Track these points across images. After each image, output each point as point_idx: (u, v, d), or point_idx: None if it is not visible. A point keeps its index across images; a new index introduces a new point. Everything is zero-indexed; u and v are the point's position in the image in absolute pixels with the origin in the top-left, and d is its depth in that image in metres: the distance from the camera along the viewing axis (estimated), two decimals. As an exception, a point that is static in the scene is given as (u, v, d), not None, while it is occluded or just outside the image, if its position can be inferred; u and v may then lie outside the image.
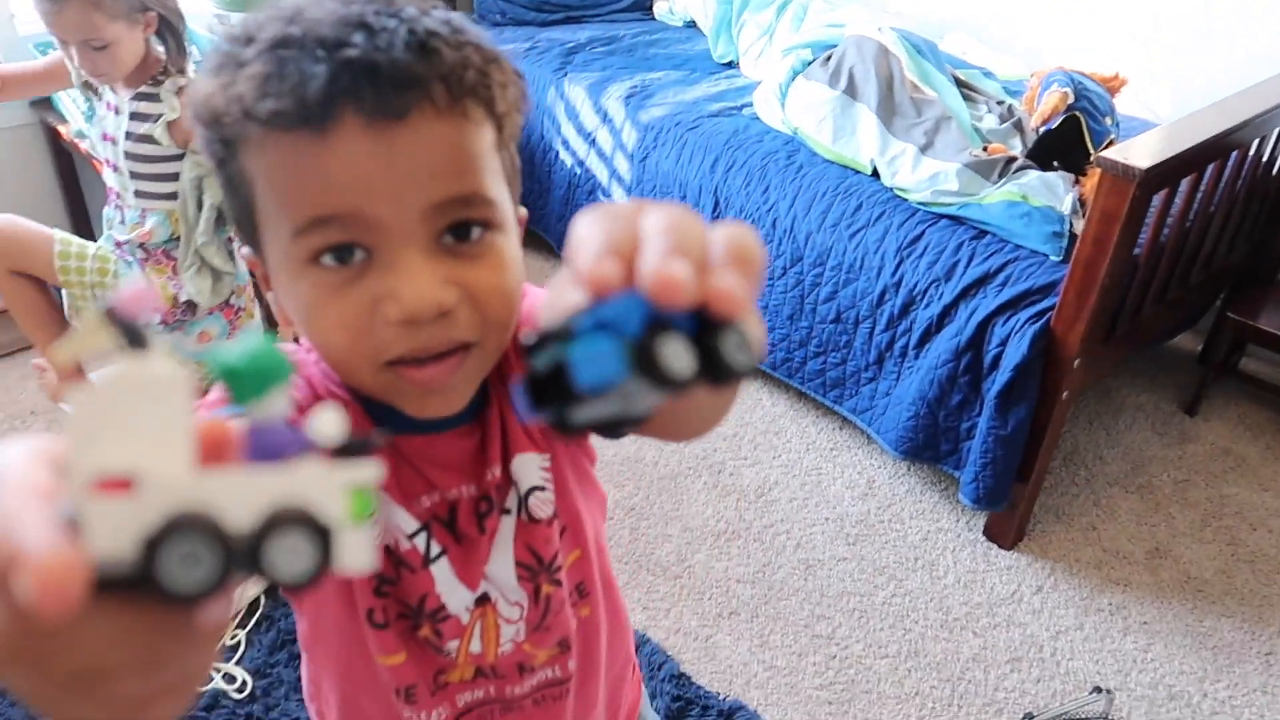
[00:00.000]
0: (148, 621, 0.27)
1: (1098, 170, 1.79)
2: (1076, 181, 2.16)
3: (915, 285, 2.10)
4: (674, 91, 2.80)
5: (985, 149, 2.27)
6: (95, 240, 2.08)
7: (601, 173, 2.77)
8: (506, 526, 0.68)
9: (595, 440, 0.67)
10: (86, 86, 1.94)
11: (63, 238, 2.01)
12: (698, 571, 2.00)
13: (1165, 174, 1.79)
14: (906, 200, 2.22)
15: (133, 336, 0.28)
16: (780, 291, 2.33)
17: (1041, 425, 1.97)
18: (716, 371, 0.30)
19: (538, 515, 0.68)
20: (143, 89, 1.86)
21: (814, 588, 1.97)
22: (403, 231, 0.53)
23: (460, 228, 0.55)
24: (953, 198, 2.14)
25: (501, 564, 0.68)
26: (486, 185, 0.56)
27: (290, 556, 0.28)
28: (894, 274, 2.12)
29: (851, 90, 2.42)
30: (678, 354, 0.29)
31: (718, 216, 2.42)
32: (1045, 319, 1.91)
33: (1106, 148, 2.07)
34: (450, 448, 0.65)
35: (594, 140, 2.78)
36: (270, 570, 0.28)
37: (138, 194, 1.95)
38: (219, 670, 1.70)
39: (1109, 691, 1.72)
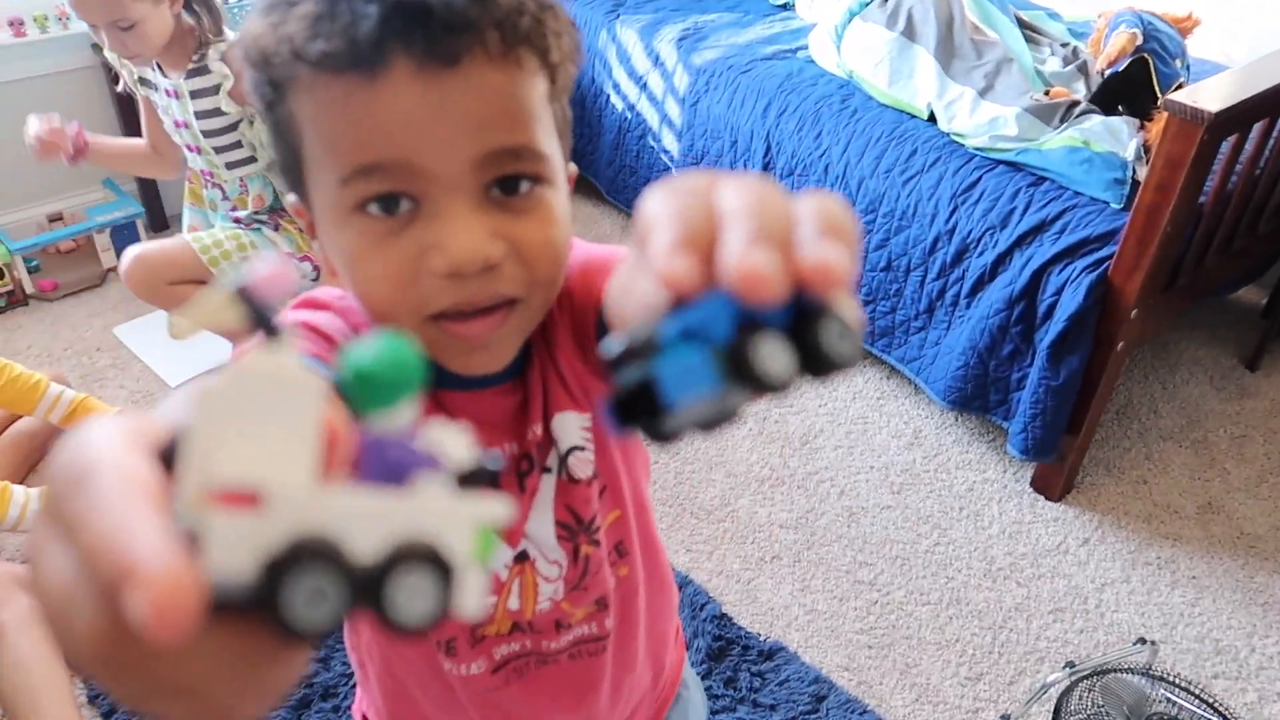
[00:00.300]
0: (255, 648, 0.24)
1: (1164, 115, 1.74)
2: (1142, 126, 2.09)
3: (969, 233, 2.06)
4: (727, 34, 2.75)
5: (1047, 92, 2.21)
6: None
7: (652, 117, 2.75)
8: (547, 485, 0.68)
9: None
10: (143, 83, 1.95)
11: (193, 237, 2.05)
12: (741, 516, 2.01)
13: (1236, 118, 1.73)
14: (963, 146, 2.17)
15: (263, 322, 0.25)
16: (830, 238, 2.30)
17: (1095, 377, 1.94)
18: (817, 365, 0.27)
19: (577, 475, 0.68)
20: (191, 66, 1.86)
21: (857, 534, 1.98)
22: (450, 182, 0.52)
23: (509, 181, 0.54)
24: (1011, 143, 2.09)
25: (541, 523, 0.68)
26: (538, 138, 0.54)
27: (412, 596, 0.25)
28: (947, 221, 2.09)
29: (910, 32, 2.36)
30: (774, 355, 0.27)
31: (769, 163, 2.39)
32: (1103, 268, 1.87)
33: (1175, 91, 2.00)
34: (492, 405, 0.65)
35: (645, 84, 2.76)
36: (389, 609, 0.25)
37: (229, 166, 1.97)
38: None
39: (1153, 643, 1.71)
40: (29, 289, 2.59)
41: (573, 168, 0.64)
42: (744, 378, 0.26)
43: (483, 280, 0.54)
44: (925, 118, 2.27)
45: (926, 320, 2.18)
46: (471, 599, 0.27)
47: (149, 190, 2.88)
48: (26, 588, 1.60)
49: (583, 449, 0.67)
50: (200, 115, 1.92)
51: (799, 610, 1.82)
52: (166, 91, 1.93)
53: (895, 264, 2.20)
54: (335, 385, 0.27)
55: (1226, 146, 1.82)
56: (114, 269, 2.71)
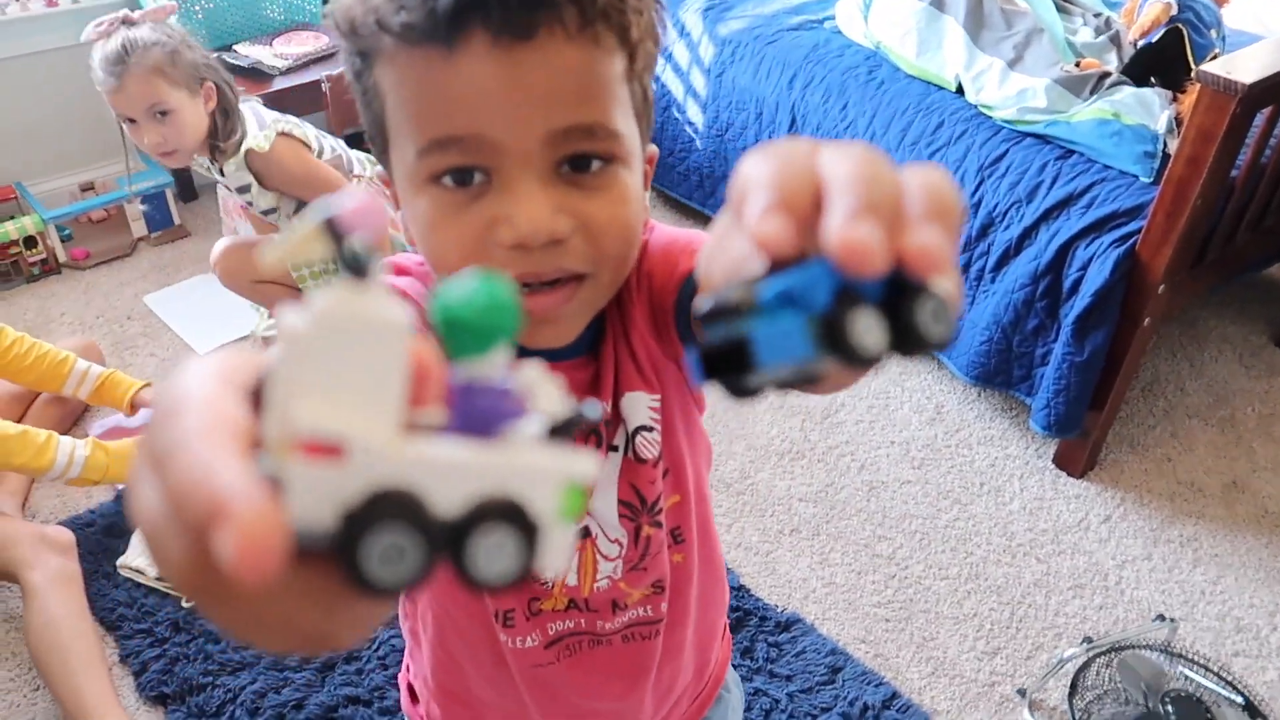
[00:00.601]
0: (333, 595, 0.24)
1: (1197, 86, 1.70)
2: (1175, 99, 2.06)
3: (995, 206, 2.04)
4: (753, 4, 2.72)
5: (1078, 64, 2.17)
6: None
7: (677, 88, 2.73)
8: (612, 463, 0.68)
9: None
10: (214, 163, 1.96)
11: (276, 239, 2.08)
12: (760, 489, 2.02)
13: (1271, 90, 1.69)
14: (990, 118, 2.15)
15: (350, 256, 0.24)
16: (855, 211, 2.29)
17: (1120, 353, 1.92)
18: (909, 343, 0.27)
19: (644, 455, 0.68)
20: (219, 165, 1.92)
21: (876, 509, 1.98)
22: (522, 156, 0.53)
23: (580, 159, 0.55)
24: (1040, 115, 2.06)
25: (605, 500, 0.68)
26: (612, 116, 0.55)
27: (493, 554, 0.25)
28: (973, 194, 2.07)
29: (938, 2, 2.32)
30: (869, 329, 0.26)
31: (794, 134, 2.37)
32: (1131, 243, 1.84)
33: (1209, 62, 1.96)
34: (563, 379, 0.66)
35: (669, 54, 2.74)
36: (470, 566, 0.25)
37: (296, 213, 2.02)
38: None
39: (1173, 621, 1.71)
40: (62, 258, 2.63)
41: (653, 148, 0.64)
42: (836, 348, 0.26)
43: (549, 254, 0.55)
44: (953, 89, 2.25)
45: (950, 295, 2.16)
46: (556, 558, 0.26)
47: (178, 160, 2.91)
48: (55, 548, 1.64)
49: (650, 429, 0.68)
50: (252, 205, 2.02)
51: (817, 583, 1.83)
52: (218, 182, 2.02)
53: (920, 238, 2.18)
54: (427, 327, 0.25)
55: (1261, 119, 1.78)
56: (144, 238, 2.75)
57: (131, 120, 1.82)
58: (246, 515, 0.21)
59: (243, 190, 1.98)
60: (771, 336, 0.26)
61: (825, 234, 0.26)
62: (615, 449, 0.68)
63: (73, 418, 2.12)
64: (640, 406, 0.67)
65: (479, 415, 0.26)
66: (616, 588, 0.72)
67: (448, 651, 0.78)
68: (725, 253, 0.30)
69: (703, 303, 0.28)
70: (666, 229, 0.66)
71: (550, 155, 0.54)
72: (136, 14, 1.82)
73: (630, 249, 0.59)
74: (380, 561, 0.24)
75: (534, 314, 0.57)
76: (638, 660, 0.77)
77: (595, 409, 0.27)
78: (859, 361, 0.26)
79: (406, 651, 0.88)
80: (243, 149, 1.89)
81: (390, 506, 0.24)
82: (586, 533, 0.70)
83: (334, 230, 0.24)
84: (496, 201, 0.54)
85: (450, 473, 0.25)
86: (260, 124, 1.93)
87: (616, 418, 0.67)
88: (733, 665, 0.95)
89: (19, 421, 1.95)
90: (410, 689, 0.89)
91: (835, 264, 0.25)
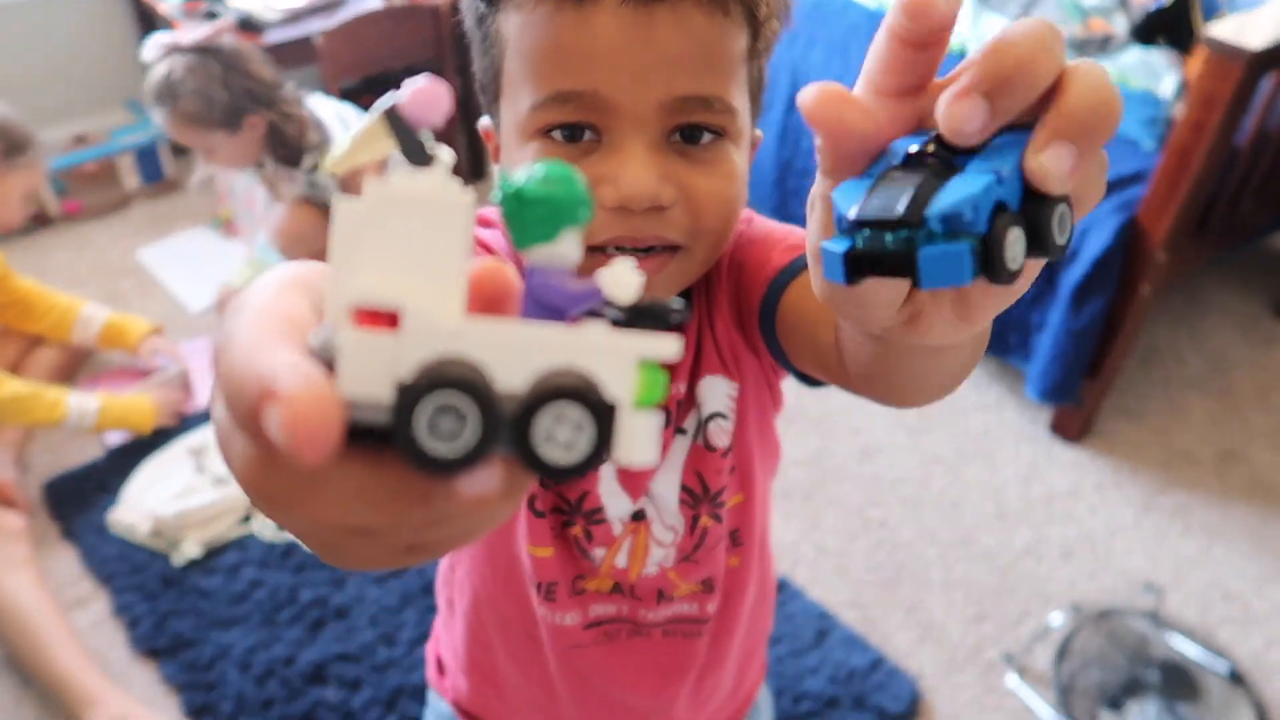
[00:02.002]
0: (392, 481, 0.23)
1: (1204, 50, 1.67)
2: (1182, 62, 2.02)
3: (996, 171, 2.01)
4: (756, -41, 2.67)
5: (1085, 25, 2.13)
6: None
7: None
8: (679, 447, 0.67)
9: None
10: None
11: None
12: (754, 452, 2.02)
13: (1279, 55, 1.66)
14: (994, 80, 2.11)
15: (414, 146, 0.24)
16: (855, 174, 2.26)
17: (1118, 321, 1.91)
18: (1039, 253, 0.27)
19: (714, 443, 0.67)
20: (273, 195, 1.97)
21: (869, 474, 1.98)
22: (636, 119, 0.53)
23: (692, 130, 0.54)
24: (1044, 78, 2.03)
25: (667, 483, 0.67)
26: (730, 91, 0.54)
27: (562, 432, 0.23)
28: (974, 158, 2.04)
29: (944, -41, 2.28)
30: (1018, 248, 0.27)
31: (794, 95, 2.33)
32: (1132, 210, 1.82)
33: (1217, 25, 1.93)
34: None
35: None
36: (537, 448, 0.23)
37: None
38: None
39: (1160, 589, 1.71)
40: (54, 210, 2.61)
41: (759, 133, 0.63)
42: (989, 270, 0.26)
43: (648, 219, 0.55)
44: (957, 52, 2.21)
45: (949, 260, 2.15)
46: (634, 444, 0.24)
47: (171, 113, 2.87)
48: (3, 534, 1.65)
49: (725, 418, 0.66)
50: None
51: (807, 547, 1.84)
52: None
53: (919, 202, 2.16)
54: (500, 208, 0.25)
55: (1268, 84, 1.75)
56: (137, 191, 2.72)
57: None
58: (294, 389, 0.20)
59: (319, 185, 1.99)
60: (938, 260, 0.26)
61: (1030, 151, 0.27)
62: (683, 432, 0.66)
63: (77, 363, 2.12)
64: (718, 392, 0.66)
65: (550, 301, 0.25)
66: (665, 576, 0.71)
67: (481, 625, 0.77)
68: (867, 120, 0.30)
69: (858, 205, 0.28)
70: (764, 221, 0.65)
71: (664, 122, 0.53)
72: (187, 37, 1.82)
73: (728, 227, 0.58)
74: (436, 432, 0.22)
75: None
76: (676, 659, 0.76)
77: (680, 304, 0.26)
78: (1004, 280, 0.26)
79: (437, 621, 0.87)
80: (345, 162, 1.90)
81: (448, 374, 0.22)
82: (641, 515, 0.68)
83: (396, 122, 0.24)
84: (604, 161, 0.54)
85: (515, 346, 0.23)
86: (343, 121, 2.01)
87: (690, 400, 0.66)
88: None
89: (20, 364, 1.98)
90: (438, 660, 0.88)
91: (1012, 175, 0.26)
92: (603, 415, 0.23)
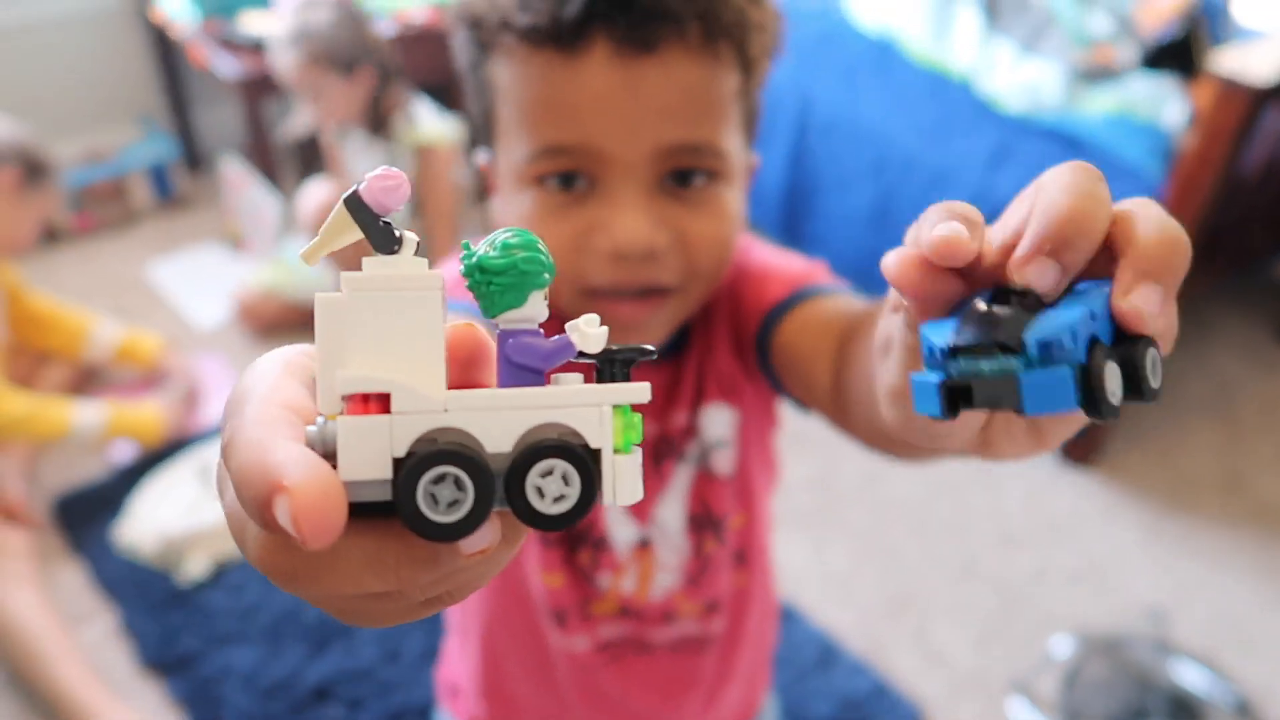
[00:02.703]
0: (399, 549, 0.24)
1: (1212, 79, 1.69)
2: (1190, 89, 2.04)
3: (1003, 199, 2.02)
4: (765, -16, 2.69)
5: (1091, 53, 2.15)
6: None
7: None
8: (683, 474, 0.67)
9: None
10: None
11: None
12: (759, 474, 2.02)
13: (1284, 87, 1.67)
14: (1000, 109, 2.13)
15: (378, 232, 0.25)
16: (862, 199, 2.28)
17: (1123, 347, 1.91)
18: (1135, 396, 0.27)
19: (717, 470, 0.67)
20: (379, 144, 2.09)
21: (874, 498, 1.99)
22: (628, 167, 0.53)
23: (684, 173, 0.55)
24: (1051, 106, 2.05)
25: (672, 510, 0.68)
26: (721, 135, 0.55)
27: (554, 487, 0.24)
28: (981, 185, 2.05)
29: (951, -13, 2.30)
30: (1116, 383, 0.27)
31: (803, 120, 2.35)
32: (1137, 237, 1.83)
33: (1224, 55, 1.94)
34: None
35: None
36: (531, 503, 0.24)
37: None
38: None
39: (1165, 615, 1.71)
40: (66, 226, 2.63)
41: (756, 157, 0.64)
42: (1089, 404, 0.26)
43: (643, 265, 0.55)
44: (963, 79, 2.23)
45: (955, 284, 2.15)
46: (620, 485, 0.25)
47: (185, 130, 2.90)
48: (7, 554, 1.65)
49: (727, 445, 0.67)
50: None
51: (811, 571, 1.84)
52: (358, 148, 2.14)
53: (926, 226, 2.17)
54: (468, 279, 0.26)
55: (1276, 115, 1.77)
56: (147, 207, 2.74)
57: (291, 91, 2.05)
58: (299, 481, 0.22)
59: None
60: (1043, 386, 0.26)
61: (1117, 292, 0.27)
62: (684, 460, 0.67)
63: (88, 377, 2.14)
64: (720, 420, 0.67)
65: (526, 362, 0.26)
66: (671, 600, 0.72)
67: (494, 650, 0.77)
68: (947, 283, 0.30)
69: (954, 334, 0.28)
70: (762, 251, 0.66)
71: (656, 168, 0.54)
72: None
73: (722, 267, 0.59)
74: (436, 501, 0.24)
75: (619, 321, 0.57)
76: (684, 676, 0.76)
77: (649, 347, 0.27)
78: (1106, 416, 0.26)
79: (449, 646, 0.88)
80: (420, 138, 2.10)
81: (440, 447, 0.24)
82: (647, 542, 0.69)
83: (359, 209, 0.25)
84: (598, 208, 0.54)
85: (499, 410, 0.25)
86: (433, 118, 2.16)
87: (692, 429, 0.66)
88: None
89: (31, 378, 2.00)
90: (452, 684, 0.88)
91: (1102, 315, 0.27)
92: (587, 464, 0.25)
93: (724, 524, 0.69)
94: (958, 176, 2.09)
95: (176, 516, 1.78)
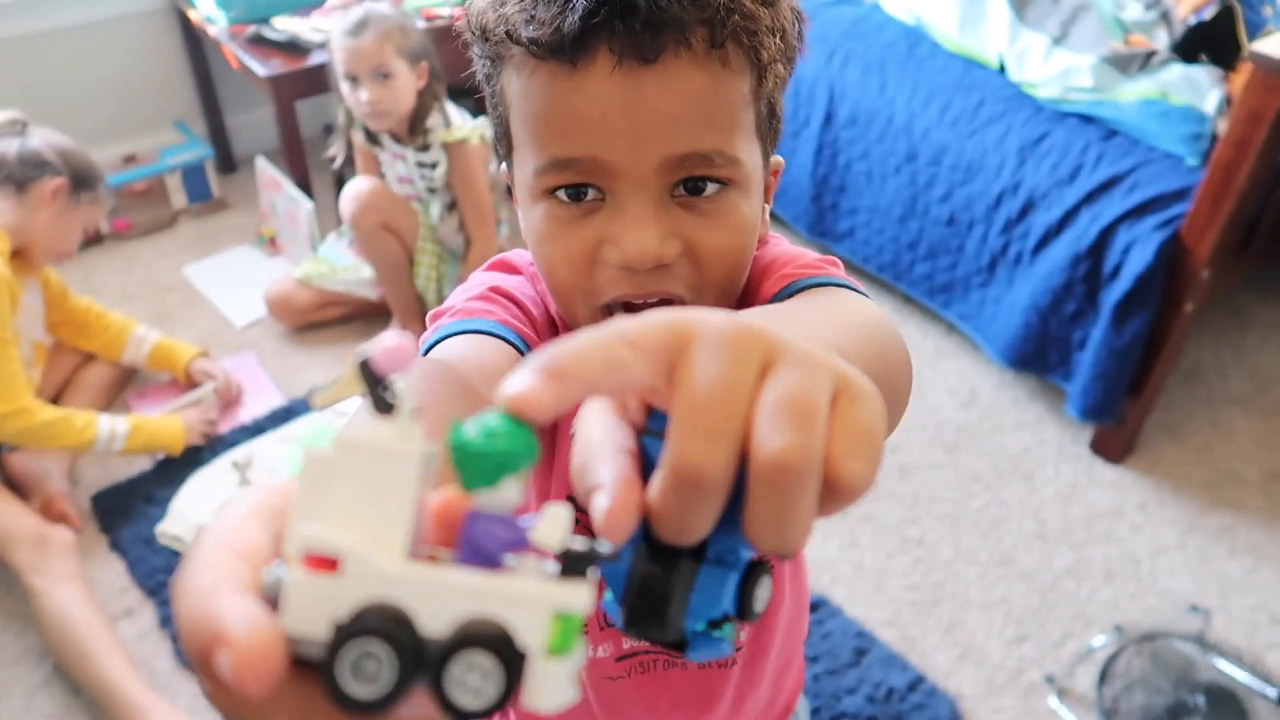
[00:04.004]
0: (328, 708, 0.24)
1: (1249, 66, 1.66)
2: (1226, 78, 2.00)
3: (1036, 188, 2.00)
4: (792, -23, 2.68)
5: (1125, 41, 2.12)
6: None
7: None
8: None
9: None
10: (370, 139, 2.20)
11: (421, 210, 2.26)
12: (790, 469, 2.01)
13: (1325, 71, 1.64)
14: (1033, 97, 2.10)
15: (378, 396, 0.26)
16: (892, 191, 2.26)
17: (1161, 339, 1.89)
18: (744, 616, 0.28)
19: None
20: (419, 143, 2.15)
21: (907, 492, 1.97)
22: (636, 179, 0.53)
23: (695, 182, 0.54)
24: (1084, 94, 2.02)
25: None
26: (732, 142, 0.54)
27: (472, 679, 0.25)
28: (1014, 175, 2.03)
29: (982, -24, 2.27)
30: (765, 594, 0.28)
31: (830, 112, 2.34)
32: (1175, 227, 1.80)
33: (1262, 39, 1.90)
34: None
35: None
36: (449, 693, 0.25)
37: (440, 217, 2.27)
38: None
39: (1206, 611, 1.68)
40: (104, 228, 2.67)
41: (779, 160, 0.63)
42: (743, 612, 0.27)
43: (653, 277, 0.55)
44: (995, 67, 2.20)
45: (988, 277, 2.14)
46: (541, 693, 0.25)
47: (219, 133, 2.94)
48: (55, 550, 1.68)
49: None
50: (421, 176, 2.22)
51: (845, 565, 1.83)
52: (394, 154, 2.20)
53: (958, 219, 2.15)
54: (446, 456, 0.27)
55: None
56: (184, 210, 2.78)
57: (354, 79, 2.04)
58: (240, 634, 0.22)
59: (426, 166, 2.18)
60: (709, 592, 0.27)
61: (749, 522, 0.25)
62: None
63: (124, 379, 2.17)
64: None
65: (483, 545, 0.26)
66: None
67: None
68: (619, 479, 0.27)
69: (624, 622, 0.28)
70: (788, 247, 0.65)
71: (665, 179, 0.54)
72: None
73: (735, 278, 0.58)
74: (355, 675, 0.24)
75: None
76: (710, 688, 0.76)
77: (606, 546, 0.26)
78: (749, 621, 0.28)
79: None
80: (452, 136, 2.14)
81: (373, 619, 0.24)
82: None
83: (366, 372, 0.26)
84: (607, 221, 0.54)
85: (441, 593, 0.25)
86: (463, 119, 2.21)
87: None
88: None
89: (71, 379, 2.04)
90: None
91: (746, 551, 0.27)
92: (511, 665, 0.25)
93: None
94: (989, 167, 2.07)
95: (214, 512, 1.81)
